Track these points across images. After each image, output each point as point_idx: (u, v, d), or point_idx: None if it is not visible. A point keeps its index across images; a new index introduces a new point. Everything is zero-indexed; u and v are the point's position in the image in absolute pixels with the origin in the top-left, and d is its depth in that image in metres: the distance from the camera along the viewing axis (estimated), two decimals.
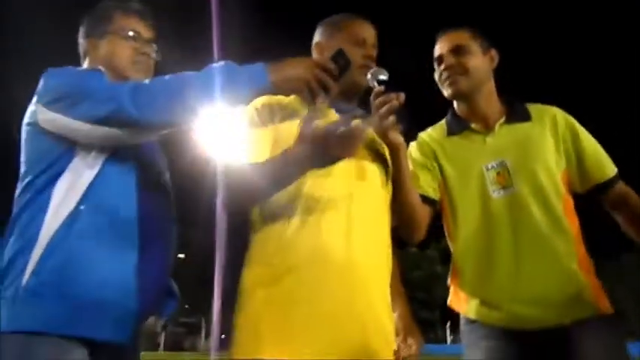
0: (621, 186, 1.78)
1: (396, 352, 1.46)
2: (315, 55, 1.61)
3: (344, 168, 1.41)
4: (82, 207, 1.33)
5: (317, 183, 1.38)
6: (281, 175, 1.35)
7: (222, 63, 1.35)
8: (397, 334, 1.55)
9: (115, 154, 1.40)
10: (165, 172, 1.63)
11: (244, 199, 1.40)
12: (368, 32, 1.58)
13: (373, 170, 1.49)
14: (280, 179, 1.35)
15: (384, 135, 1.44)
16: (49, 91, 1.38)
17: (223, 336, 26.48)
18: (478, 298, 1.69)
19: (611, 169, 1.78)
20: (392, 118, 1.38)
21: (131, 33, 1.58)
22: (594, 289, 1.64)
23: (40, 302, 1.24)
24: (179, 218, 1.59)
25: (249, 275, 1.36)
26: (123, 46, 1.57)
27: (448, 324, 37.33)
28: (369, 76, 1.47)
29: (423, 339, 1.63)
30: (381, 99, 1.39)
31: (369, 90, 1.48)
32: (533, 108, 1.85)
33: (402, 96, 1.38)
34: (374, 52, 1.56)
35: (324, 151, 1.32)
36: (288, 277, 1.30)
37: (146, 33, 1.62)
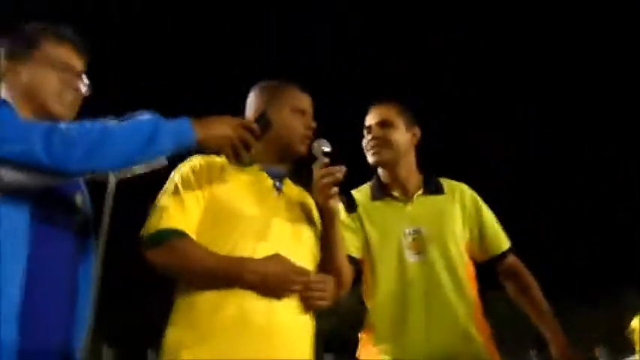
0: (513, 259, 2.08)
1: None
2: (252, 117, 1.64)
3: (279, 231, 1.51)
4: None
5: (250, 247, 1.46)
6: (225, 276, 1.41)
7: (146, 114, 1.33)
8: None
9: (10, 193, 1.25)
10: (84, 205, 1.51)
11: (181, 270, 1.45)
12: (307, 103, 1.70)
13: (307, 232, 1.60)
14: (222, 279, 1.42)
15: (323, 202, 1.56)
16: None
17: None
18: (390, 356, 1.85)
19: (505, 243, 2.08)
20: (335, 190, 1.53)
21: (61, 64, 1.44)
22: (490, 351, 1.90)
23: None
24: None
25: (174, 336, 1.41)
26: (49, 77, 1.42)
27: None
28: (314, 145, 1.61)
29: None
30: (324, 170, 1.53)
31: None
32: (446, 183, 2.11)
33: (344, 169, 1.54)
34: (313, 123, 1.68)
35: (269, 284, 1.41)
36: (213, 340, 1.37)
37: (77, 65, 1.48)
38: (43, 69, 1.42)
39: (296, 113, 1.65)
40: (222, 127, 1.38)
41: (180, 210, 1.47)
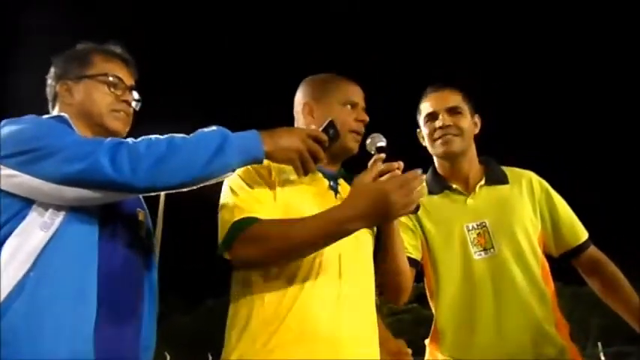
0: (593, 250, 1.85)
1: None
2: (302, 114, 1.56)
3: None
4: (31, 274, 1.16)
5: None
6: (325, 234, 1.25)
7: (214, 128, 1.28)
8: None
9: (77, 210, 1.24)
10: (145, 221, 1.50)
11: (277, 251, 1.29)
12: (359, 95, 1.57)
13: (366, 235, 1.48)
14: (321, 239, 1.26)
15: None
16: (6, 143, 1.22)
17: None
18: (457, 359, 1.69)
19: (583, 234, 1.86)
20: None
21: (112, 78, 1.46)
22: (571, 351, 1.69)
23: None
24: None
25: (233, 349, 1.30)
26: (102, 92, 1.44)
27: None
28: (368, 141, 1.47)
29: None
30: (382, 167, 1.39)
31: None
32: (510, 171, 1.92)
33: (402, 165, 1.38)
34: (366, 117, 1.54)
35: (385, 205, 1.22)
36: (277, 354, 1.25)
37: (128, 80, 1.51)
38: (96, 85, 1.44)
39: (346, 107, 1.52)
40: (291, 139, 1.31)
41: (249, 202, 1.35)
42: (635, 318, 1.75)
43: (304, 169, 1.33)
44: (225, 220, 1.35)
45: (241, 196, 1.37)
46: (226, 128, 1.29)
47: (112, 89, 1.46)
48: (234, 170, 1.28)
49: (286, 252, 1.29)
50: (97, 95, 1.44)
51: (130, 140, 1.27)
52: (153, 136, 1.28)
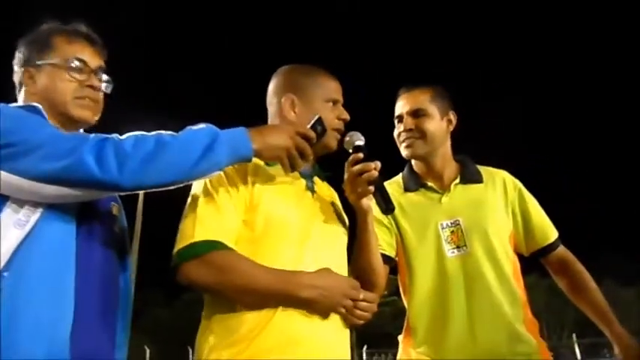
0: (562, 250, 1.90)
1: None
2: (281, 106, 1.50)
3: (319, 235, 1.40)
4: (5, 274, 1.12)
5: (294, 254, 1.34)
6: (274, 292, 1.27)
7: (202, 126, 1.26)
8: None
9: (54, 207, 1.20)
10: (119, 215, 1.46)
11: (223, 287, 1.27)
12: (339, 92, 1.55)
13: (342, 234, 1.50)
14: (269, 295, 1.27)
15: (356, 201, 1.44)
16: None
17: None
18: (430, 358, 1.71)
19: (553, 233, 1.90)
20: (370, 188, 1.39)
21: (75, 63, 1.36)
22: (541, 349, 1.73)
23: None
24: None
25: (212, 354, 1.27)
26: (63, 79, 1.35)
27: None
28: (346, 139, 1.47)
29: None
30: (359, 166, 1.39)
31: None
32: (484, 170, 1.94)
33: (379, 165, 1.40)
34: (347, 115, 1.53)
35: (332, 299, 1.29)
36: None
37: (94, 61, 1.40)
38: (58, 72, 1.35)
39: (328, 104, 1.50)
40: (279, 136, 1.30)
41: (216, 218, 1.31)
42: (598, 317, 1.81)
43: (291, 167, 1.32)
44: (185, 234, 1.30)
45: (207, 209, 1.32)
46: (230, 122, 1.28)
47: (75, 75, 1.37)
48: (221, 169, 1.26)
49: (236, 293, 1.27)
50: (59, 83, 1.35)
51: (115, 136, 1.22)
52: (139, 133, 1.24)
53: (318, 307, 1.29)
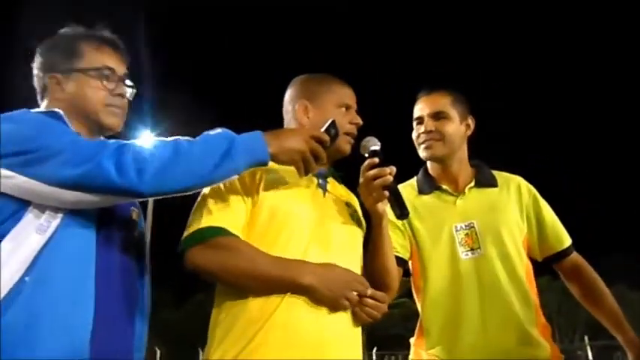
0: (575, 256, 1.90)
1: None
2: (296, 113, 1.55)
3: (328, 231, 1.41)
4: (26, 278, 1.13)
5: (301, 247, 1.35)
6: (276, 278, 1.29)
7: (219, 131, 1.27)
8: None
9: (74, 212, 1.21)
10: (139, 220, 1.47)
11: (227, 272, 1.31)
12: (353, 98, 1.59)
13: (355, 234, 1.50)
14: (270, 280, 1.29)
15: (371, 205, 1.45)
16: (1, 142, 1.16)
17: None
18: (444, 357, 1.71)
19: (566, 240, 1.90)
20: (385, 193, 1.40)
21: (105, 72, 1.38)
22: (553, 353, 1.73)
23: None
24: None
25: (218, 346, 1.30)
26: (94, 87, 1.37)
27: None
28: (362, 143, 1.49)
29: None
30: (374, 171, 1.40)
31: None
32: (499, 175, 1.95)
33: (394, 170, 1.40)
34: (359, 119, 1.56)
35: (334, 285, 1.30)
36: (260, 353, 1.25)
37: (120, 68, 1.43)
38: (87, 80, 1.37)
39: (341, 109, 1.54)
40: (294, 140, 1.31)
41: (224, 209, 1.35)
42: (611, 324, 1.81)
43: (306, 170, 1.34)
44: (193, 223, 1.35)
45: (215, 202, 1.37)
46: (234, 126, 1.29)
47: (105, 83, 1.39)
48: (239, 174, 1.27)
49: (239, 278, 1.29)
50: (90, 90, 1.37)
51: (133, 142, 1.23)
52: (158, 139, 1.25)
53: (320, 296, 1.29)
